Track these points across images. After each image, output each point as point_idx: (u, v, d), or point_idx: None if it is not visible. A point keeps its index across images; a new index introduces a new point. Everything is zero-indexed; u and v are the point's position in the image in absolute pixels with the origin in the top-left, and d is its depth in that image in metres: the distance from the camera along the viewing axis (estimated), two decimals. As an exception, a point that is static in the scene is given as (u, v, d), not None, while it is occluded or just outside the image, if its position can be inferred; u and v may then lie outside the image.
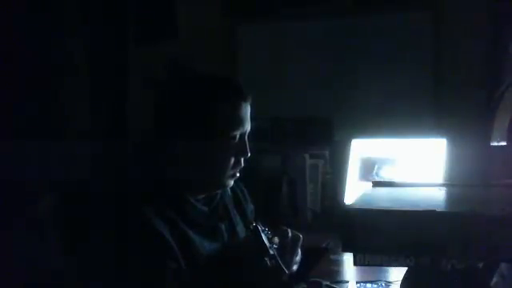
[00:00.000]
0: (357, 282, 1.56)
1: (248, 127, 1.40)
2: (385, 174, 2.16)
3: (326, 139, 2.58)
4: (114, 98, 2.83)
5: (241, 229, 1.51)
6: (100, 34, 2.78)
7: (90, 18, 2.76)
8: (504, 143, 1.93)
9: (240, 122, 1.37)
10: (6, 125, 2.39)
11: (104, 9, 2.78)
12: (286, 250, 1.38)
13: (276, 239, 1.37)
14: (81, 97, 2.75)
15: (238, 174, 1.43)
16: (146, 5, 2.86)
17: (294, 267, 1.43)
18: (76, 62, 2.74)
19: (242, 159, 1.40)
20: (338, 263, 1.79)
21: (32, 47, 2.56)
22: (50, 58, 2.64)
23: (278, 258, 1.34)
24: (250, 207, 1.61)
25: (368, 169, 2.20)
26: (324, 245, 2.00)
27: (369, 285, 1.54)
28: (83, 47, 2.76)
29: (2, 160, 2.31)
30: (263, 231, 1.35)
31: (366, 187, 1.23)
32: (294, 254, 1.42)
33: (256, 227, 1.34)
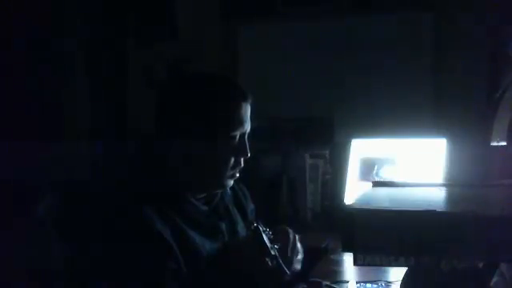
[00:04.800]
0: (357, 282, 1.56)
1: (248, 127, 1.40)
2: (385, 174, 2.16)
3: (326, 139, 2.59)
4: (114, 97, 2.83)
5: (241, 228, 1.51)
6: (100, 34, 2.78)
7: (90, 17, 2.76)
8: (504, 143, 1.93)
9: (240, 122, 1.37)
10: (6, 125, 2.38)
11: (104, 9, 2.78)
12: (286, 250, 1.39)
13: (277, 239, 1.38)
14: (81, 97, 2.75)
15: (237, 175, 1.43)
16: (145, 5, 2.86)
17: (296, 266, 1.43)
18: (76, 62, 2.74)
19: (242, 159, 1.41)
20: (338, 263, 1.79)
21: (32, 47, 2.56)
22: (50, 57, 2.64)
23: (279, 259, 1.34)
24: (251, 207, 1.61)
25: (368, 169, 2.20)
26: (324, 245, 2.00)
27: (369, 285, 1.54)
28: (83, 47, 2.76)
29: (2, 160, 2.31)
30: (264, 232, 1.35)
31: (366, 187, 1.23)
32: (295, 253, 1.42)
33: (257, 228, 1.34)
